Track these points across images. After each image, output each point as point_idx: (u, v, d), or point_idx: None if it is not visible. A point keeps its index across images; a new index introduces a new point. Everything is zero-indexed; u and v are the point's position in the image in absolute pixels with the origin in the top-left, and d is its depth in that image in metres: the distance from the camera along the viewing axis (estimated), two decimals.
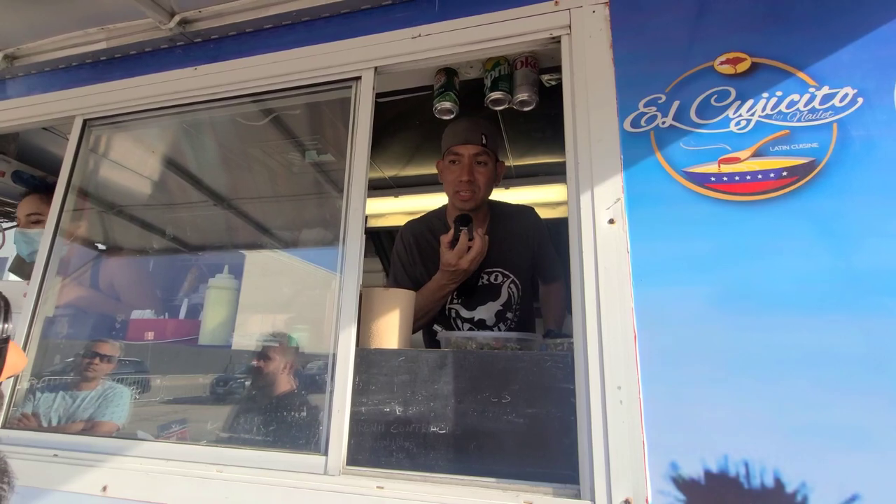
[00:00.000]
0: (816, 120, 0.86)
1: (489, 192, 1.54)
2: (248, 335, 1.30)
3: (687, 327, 0.84)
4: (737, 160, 0.89)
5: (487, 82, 1.34)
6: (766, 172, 0.87)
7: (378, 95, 1.55)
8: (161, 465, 1.06)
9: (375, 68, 1.21)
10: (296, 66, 1.27)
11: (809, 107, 0.87)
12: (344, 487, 0.93)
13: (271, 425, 1.12)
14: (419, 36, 1.18)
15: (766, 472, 0.74)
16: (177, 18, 1.32)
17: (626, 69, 1.00)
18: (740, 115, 0.91)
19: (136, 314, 1.44)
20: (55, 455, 1.14)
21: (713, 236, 0.86)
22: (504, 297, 1.53)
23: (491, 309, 1.52)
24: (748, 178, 0.87)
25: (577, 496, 0.83)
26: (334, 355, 1.04)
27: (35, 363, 1.37)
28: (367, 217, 3.13)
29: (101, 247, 1.74)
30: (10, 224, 1.97)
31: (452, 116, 1.42)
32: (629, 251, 0.89)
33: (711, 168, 0.90)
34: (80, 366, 1.45)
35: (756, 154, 0.88)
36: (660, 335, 0.84)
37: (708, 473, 0.77)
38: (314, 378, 1.18)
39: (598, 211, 0.93)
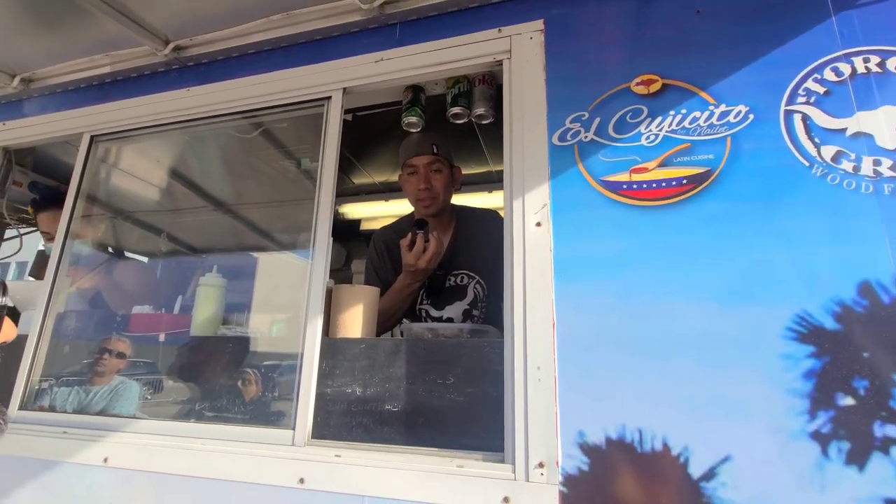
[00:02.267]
0: (714, 134, 0.99)
1: (449, 196, 1.68)
2: (232, 327, 1.45)
3: (598, 316, 0.96)
4: (645, 170, 1.01)
5: (448, 98, 1.48)
6: (669, 181, 0.99)
7: (362, 109, 1.71)
8: (153, 439, 1.21)
9: (344, 89, 1.36)
10: (275, 87, 1.42)
11: (708, 122, 1.00)
12: (307, 456, 1.07)
13: (248, 404, 1.27)
14: (381, 60, 1.33)
15: (656, 438, 0.87)
16: (171, 45, 1.49)
17: (557, 89, 1.13)
18: (650, 131, 1.03)
19: (136, 309, 1.60)
20: (64, 432, 1.30)
21: (623, 236, 0.99)
22: (470, 296, 1.66)
23: (458, 308, 1.65)
24: (654, 185, 1.00)
25: (502, 461, 0.96)
26: (303, 343, 1.19)
27: (48, 360, 1.53)
28: (360, 220, 3.27)
29: (109, 248, 1.91)
30: (27, 230, 2.15)
31: (419, 130, 1.56)
32: (552, 250, 1.02)
33: (624, 177, 1.02)
34: (92, 362, 1.61)
35: (662, 164, 1.01)
36: (575, 323, 0.97)
37: (608, 440, 0.89)
38: (288, 363, 1.32)
39: (527, 215, 1.07)
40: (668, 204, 0.98)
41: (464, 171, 1.86)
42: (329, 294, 1.27)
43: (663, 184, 0.99)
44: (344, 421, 1.14)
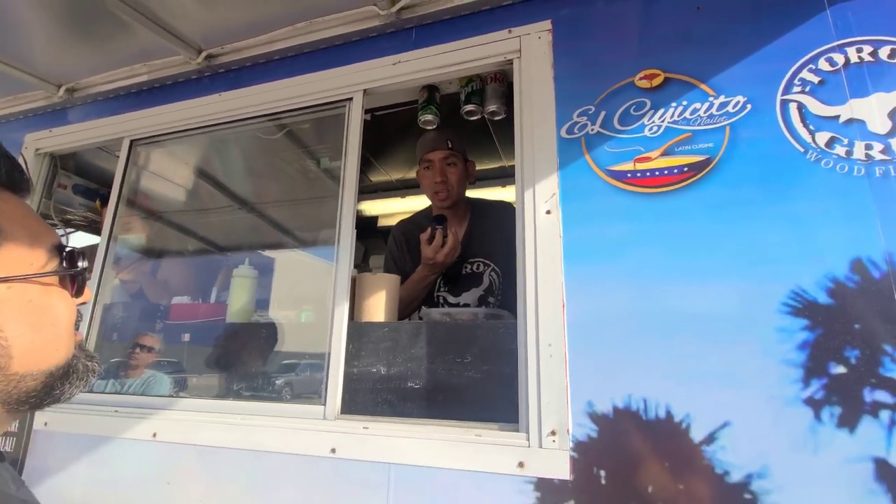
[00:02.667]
0: (713, 124, 1.05)
1: (463, 190, 1.76)
2: (266, 314, 1.56)
3: (605, 296, 1.03)
4: (649, 159, 1.08)
5: (462, 97, 1.56)
6: (671, 169, 1.05)
7: (380, 109, 1.80)
8: (197, 416, 1.33)
9: (364, 90, 1.45)
10: (300, 90, 1.52)
11: (708, 113, 1.06)
12: (337, 428, 1.16)
13: (282, 383, 1.37)
14: (399, 62, 1.41)
15: (660, 406, 0.94)
16: (203, 54, 1.60)
17: (564, 85, 1.20)
18: (653, 122, 1.10)
19: (175, 300, 1.72)
20: (116, 411, 1.42)
21: (629, 222, 1.06)
22: (486, 283, 1.74)
23: (474, 294, 1.74)
24: (657, 173, 1.06)
25: (517, 430, 1.04)
26: (331, 327, 1.28)
27: (96, 349, 1.66)
28: (377, 217, 3.38)
29: (145, 245, 2.05)
30: (72, 230, 2.30)
31: (434, 127, 1.65)
32: (561, 236, 1.10)
33: (628, 166, 1.09)
34: (126, 355, 1.73)
35: (664, 153, 1.07)
36: (583, 303, 1.04)
37: (615, 409, 0.96)
38: (317, 346, 1.42)
39: (538, 204, 1.14)
40: (671, 191, 1.04)
41: (477, 167, 1.94)
42: (353, 283, 1.37)
43: (665, 172, 1.06)
44: (370, 397, 1.24)
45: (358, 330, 1.30)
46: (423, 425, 1.12)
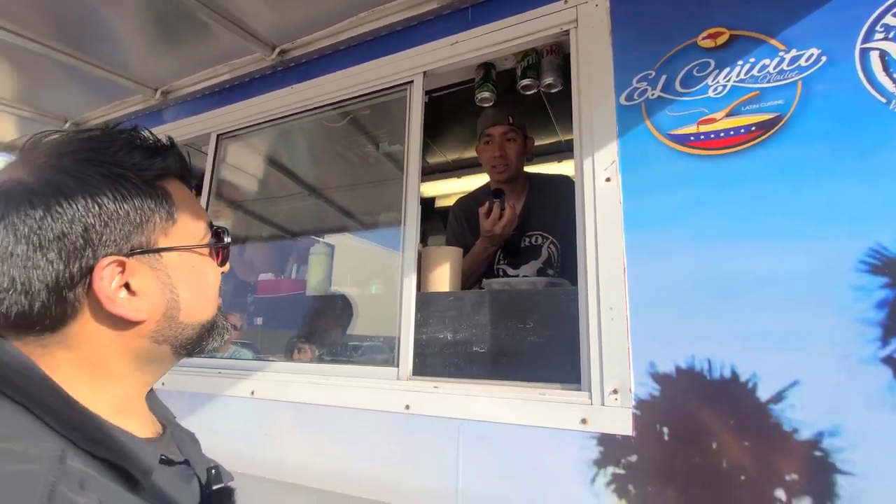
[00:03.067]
0: (783, 80, 1.01)
1: (521, 165, 1.79)
2: (342, 289, 1.70)
3: (668, 260, 1.05)
4: (713, 120, 1.06)
5: (518, 72, 1.59)
6: (737, 129, 1.03)
7: (436, 90, 1.86)
8: (288, 377, 1.49)
9: (424, 72, 1.51)
10: (363, 77, 1.62)
11: (778, 69, 1.02)
12: (410, 388, 1.27)
13: (359, 349, 1.51)
14: (456, 42, 1.46)
15: (725, 366, 0.95)
16: (277, 50, 1.74)
17: (623, 52, 1.20)
18: (717, 83, 1.07)
19: (262, 276, 1.92)
20: (219, 372, 1.63)
21: (692, 185, 1.05)
22: (544, 256, 1.77)
23: (533, 267, 1.78)
24: (722, 135, 1.05)
25: (579, 389, 1.09)
26: (400, 297, 1.39)
27: None
28: (434, 198, 3.48)
29: (232, 229, 2.27)
30: None
31: (491, 104, 1.69)
32: (622, 202, 1.11)
33: (691, 129, 1.08)
34: None
35: (729, 114, 1.05)
36: (645, 267, 1.06)
37: (678, 369, 0.99)
38: (390, 316, 1.54)
39: (597, 172, 1.16)
40: (736, 151, 1.03)
41: (536, 142, 1.96)
42: (419, 257, 1.46)
43: (731, 132, 1.04)
44: (438, 361, 1.34)
45: (425, 300, 1.40)
46: (488, 385, 1.20)
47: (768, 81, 1.02)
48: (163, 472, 0.51)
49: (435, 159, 3.03)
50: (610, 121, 1.17)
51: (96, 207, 0.48)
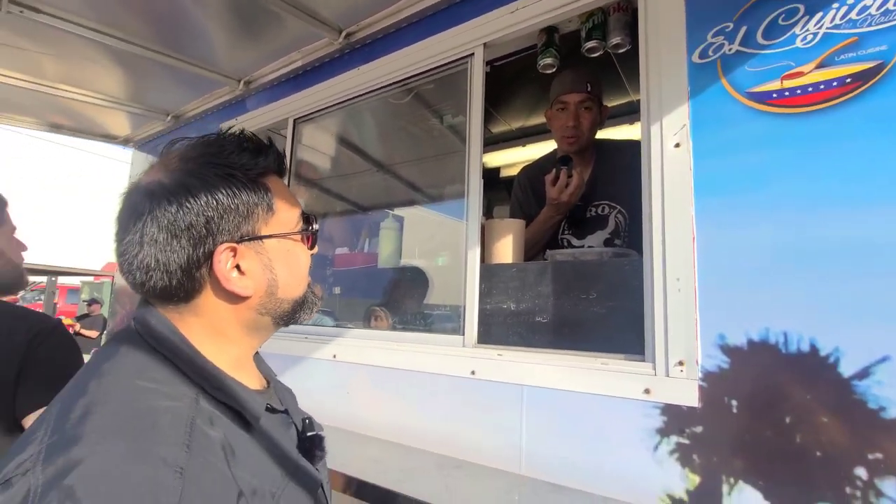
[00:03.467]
0: (889, 21, 0.89)
1: (593, 135, 1.73)
2: (411, 260, 1.80)
3: (742, 228, 0.99)
4: (800, 74, 0.96)
5: (583, 33, 1.52)
6: (828, 82, 0.93)
7: (498, 59, 1.84)
8: (365, 342, 1.63)
9: (484, 44, 1.51)
10: (425, 53, 1.64)
11: (882, 9, 0.90)
12: (475, 354, 1.34)
13: (428, 318, 1.60)
14: (517, 9, 1.43)
15: (803, 340, 0.90)
16: (343, 34, 1.81)
17: (696, 5, 1.11)
18: (807, 31, 0.97)
19: (338, 250, 2.08)
20: (305, 338, 1.82)
21: (772, 147, 0.98)
22: (612, 226, 1.73)
23: (599, 237, 1.74)
24: (810, 89, 0.95)
25: (642, 360, 1.09)
26: (465, 269, 1.45)
27: None
28: (499, 168, 3.45)
29: (310, 207, 2.46)
30: None
31: (554, 70, 1.64)
32: (692, 168, 1.06)
33: (774, 85, 0.99)
34: None
35: (820, 66, 0.95)
36: (716, 236, 1.02)
37: (750, 342, 0.95)
38: (455, 287, 1.61)
39: (665, 138, 1.11)
40: (827, 107, 0.93)
41: (605, 104, 1.86)
42: (482, 229, 1.50)
43: (821, 86, 0.94)
44: (502, 330, 1.39)
45: (488, 271, 1.44)
46: (550, 354, 1.23)
47: (869, 25, 0.91)
48: (268, 418, 0.63)
49: (499, 128, 3.00)
50: (681, 81, 1.10)
51: (214, 202, 0.59)
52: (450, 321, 1.54)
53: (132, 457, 0.46)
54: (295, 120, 2.09)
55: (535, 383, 1.22)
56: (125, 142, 3.15)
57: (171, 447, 0.48)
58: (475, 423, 1.30)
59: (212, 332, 0.62)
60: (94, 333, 7.99)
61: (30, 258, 1.32)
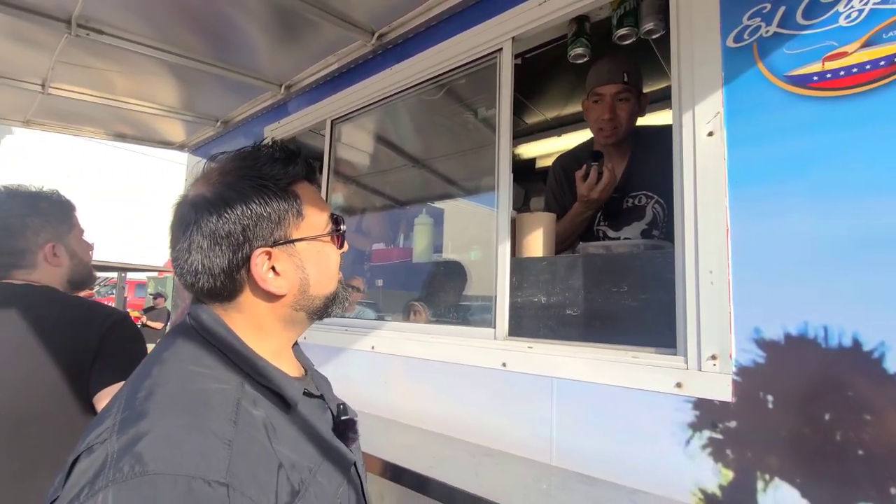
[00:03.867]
0: None
1: (632, 126, 1.67)
2: (446, 254, 1.84)
3: (778, 218, 0.96)
4: (844, 54, 0.91)
5: (614, 21, 1.49)
6: (875, 62, 0.88)
7: (529, 51, 1.83)
8: (401, 335, 1.69)
9: (513, 38, 1.51)
10: (455, 50, 1.66)
11: None
12: (506, 347, 1.37)
13: (461, 311, 1.64)
14: (545, 1, 1.42)
15: (845, 334, 0.86)
16: (375, 35, 1.86)
17: None
18: (851, 7, 0.91)
19: (375, 246, 2.15)
20: (346, 330, 1.91)
21: (813, 133, 0.93)
22: (649, 216, 1.69)
23: (636, 228, 1.71)
24: (854, 70, 0.90)
25: (674, 354, 1.07)
26: (496, 263, 1.47)
27: None
28: (534, 159, 3.42)
29: (348, 203, 2.55)
30: None
31: (586, 59, 1.61)
32: (726, 157, 1.03)
33: (815, 67, 0.94)
34: None
35: (866, 44, 0.89)
36: (751, 227, 0.98)
37: (787, 336, 0.92)
38: (487, 280, 1.64)
39: (698, 126, 1.08)
40: (874, 89, 0.88)
41: (644, 90, 1.81)
42: (513, 223, 1.51)
43: (867, 66, 0.89)
44: (532, 323, 1.40)
45: (519, 264, 1.46)
46: (581, 347, 1.24)
47: None
48: (305, 402, 0.70)
49: (533, 119, 2.97)
50: (714, 67, 1.07)
51: (249, 212, 0.66)
52: (483, 313, 1.57)
53: (188, 429, 0.53)
54: (332, 121, 2.17)
55: (566, 375, 1.23)
56: (181, 147, 3.38)
57: (220, 422, 0.55)
58: (506, 413, 1.33)
59: (253, 326, 0.70)
60: (159, 325, 8.65)
61: (98, 256, 1.46)
